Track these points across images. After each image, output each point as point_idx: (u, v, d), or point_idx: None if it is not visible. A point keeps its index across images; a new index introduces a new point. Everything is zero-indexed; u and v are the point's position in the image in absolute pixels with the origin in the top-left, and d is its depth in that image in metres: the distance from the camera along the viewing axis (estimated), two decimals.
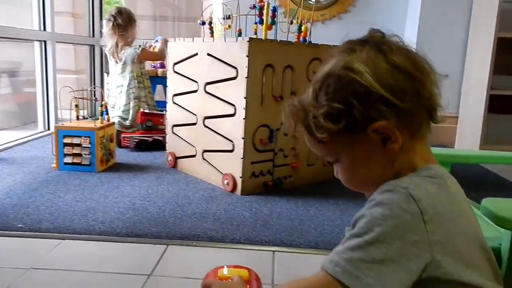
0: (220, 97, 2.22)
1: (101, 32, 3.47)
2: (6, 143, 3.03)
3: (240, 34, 2.27)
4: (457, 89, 3.52)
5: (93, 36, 4.26)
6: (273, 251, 1.55)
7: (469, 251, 0.59)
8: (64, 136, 2.43)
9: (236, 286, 0.74)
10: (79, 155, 2.43)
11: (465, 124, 3.44)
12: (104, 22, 3.31)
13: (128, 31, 3.25)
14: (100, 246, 1.55)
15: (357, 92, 0.59)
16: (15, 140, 3.14)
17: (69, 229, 1.65)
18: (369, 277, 0.54)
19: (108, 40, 3.27)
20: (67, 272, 1.35)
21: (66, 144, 2.43)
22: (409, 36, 3.45)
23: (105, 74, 4.03)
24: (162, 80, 3.59)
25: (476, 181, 2.55)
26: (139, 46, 3.27)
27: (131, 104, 3.16)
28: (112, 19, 3.22)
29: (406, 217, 0.55)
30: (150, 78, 3.41)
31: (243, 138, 2.09)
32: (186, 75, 2.44)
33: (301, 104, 0.65)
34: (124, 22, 3.22)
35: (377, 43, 0.63)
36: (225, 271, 0.84)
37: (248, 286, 0.80)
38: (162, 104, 3.33)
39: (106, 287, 1.28)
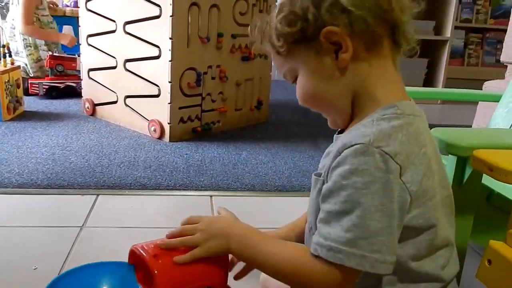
0: (142, 38, 2.06)
1: None
2: None
3: None
4: None
5: None
6: (211, 196, 1.52)
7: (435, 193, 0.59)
8: None
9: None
10: None
11: None
12: None
13: None
14: (21, 199, 1.41)
15: None
16: None
17: None
18: (374, 253, 0.52)
19: None
20: None
21: None
22: None
23: None
24: (71, 20, 3.27)
25: None
26: None
27: (25, 52, 2.79)
28: None
29: (388, 177, 0.52)
30: (57, 18, 3.06)
31: (170, 82, 1.98)
32: (101, 14, 2.23)
33: (268, 18, 0.64)
34: None
35: None
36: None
37: None
38: (72, 50, 3.02)
39: (35, 242, 1.17)
